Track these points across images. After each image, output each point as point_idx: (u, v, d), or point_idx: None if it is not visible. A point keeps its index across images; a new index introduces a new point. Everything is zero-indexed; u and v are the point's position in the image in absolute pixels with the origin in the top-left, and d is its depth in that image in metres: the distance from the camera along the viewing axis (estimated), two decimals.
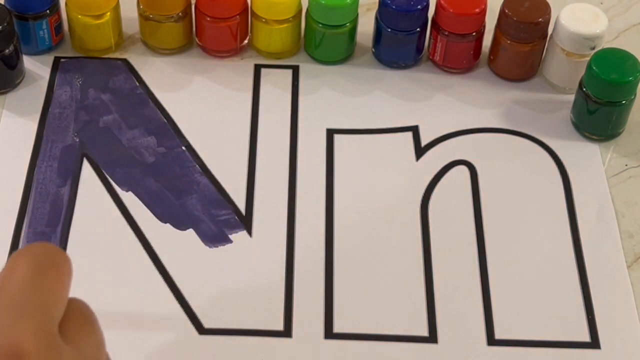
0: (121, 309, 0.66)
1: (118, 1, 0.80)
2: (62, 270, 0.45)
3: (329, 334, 0.65)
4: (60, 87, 0.79)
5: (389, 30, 0.80)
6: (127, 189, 0.73)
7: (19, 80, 0.79)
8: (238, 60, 0.83)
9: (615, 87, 0.75)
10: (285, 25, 0.80)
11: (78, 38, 0.81)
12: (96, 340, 0.45)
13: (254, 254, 0.70)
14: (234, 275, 0.68)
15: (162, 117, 0.78)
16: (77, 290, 0.66)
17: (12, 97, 0.79)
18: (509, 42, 0.79)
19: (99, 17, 0.79)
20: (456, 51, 0.81)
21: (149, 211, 0.71)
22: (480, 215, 0.72)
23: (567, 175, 0.76)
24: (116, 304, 0.66)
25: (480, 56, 0.83)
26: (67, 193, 0.72)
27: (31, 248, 0.44)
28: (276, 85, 0.81)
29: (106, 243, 0.69)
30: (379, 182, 0.74)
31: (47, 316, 0.42)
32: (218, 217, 0.71)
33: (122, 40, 0.83)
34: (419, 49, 0.82)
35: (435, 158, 0.76)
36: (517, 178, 0.75)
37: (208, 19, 0.80)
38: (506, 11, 0.78)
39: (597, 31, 0.77)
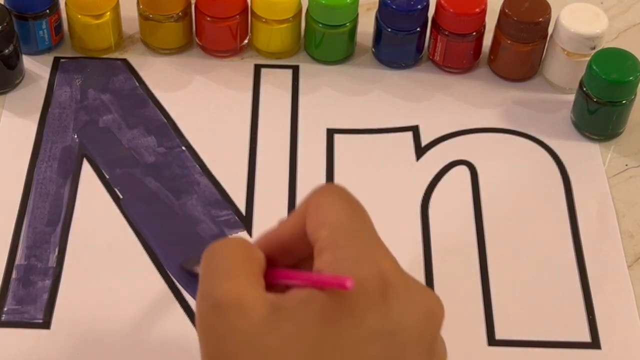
0: (121, 308, 0.66)
1: (118, 1, 0.80)
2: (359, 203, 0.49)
3: None
4: (60, 87, 0.79)
5: (389, 30, 0.80)
6: (127, 189, 0.72)
7: (18, 81, 0.79)
8: (238, 60, 0.83)
9: (616, 87, 0.75)
10: (285, 25, 0.80)
11: (78, 38, 0.81)
12: None
13: None
14: None
15: (162, 117, 0.78)
16: (77, 289, 0.67)
17: (12, 97, 0.79)
18: (509, 42, 0.79)
19: (99, 17, 0.79)
20: (456, 51, 0.81)
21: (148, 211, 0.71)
22: (480, 215, 0.72)
23: (567, 175, 0.76)
24: (116, 303, 0.66)
25: (480, 56, 0.83)
26: (67, 193, 0.72)
27: (328, 188, 0.49)
28: (276, 85, 0.81)
29: (106, 243, 0.69)
30: (379, 182, 0.74)
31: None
32: (218, 217, 0.71)
33: (122, 40, 0.83)
34: (419, 49, 0.82)
35: (435, 158, 0.76)
36: (517, 178, 0.75)
37: (208, 18, 0.80)
38: (506, 11, 0.78)
39: (597, 31, 0.77)
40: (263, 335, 0.43)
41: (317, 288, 0.44)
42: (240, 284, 0.45)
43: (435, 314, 0.47)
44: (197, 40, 0.83)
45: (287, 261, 0.50)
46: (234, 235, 0.49)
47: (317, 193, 0.49)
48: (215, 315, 0.44)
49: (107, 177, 0.73)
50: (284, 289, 0.46)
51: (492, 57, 0.82)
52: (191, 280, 0.67)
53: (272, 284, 0.47)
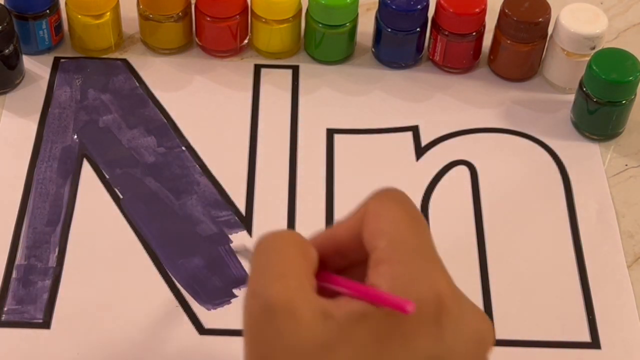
0: (121, 308, 0.66)
1: (118, 1, 0.80)
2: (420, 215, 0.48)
3: None
4: (60, 87, 0.79)
5: (389, 30, 0.80)
6: (127, 189, 0.72)
7: (18, 81, 0.79)
8: (238, 60, 0.83)
9: (615, 87, 0.75)
10: (285, 25, 0.80)
11: (78, 38, 0.81)
12: None
13: None
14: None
15: (162, 117, 0.78)
16: (77, 289, 0.67)
17: (12, 97, 0.79)
18: (509, 42, 0.79)
19: (99, 17, 0.79)
20: (456, 51, 0.81)
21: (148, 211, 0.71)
22: (480, 215, 0.72)
23: (567, 175, 0.76)
24: (116, 304, 0.66)
25: (480, 56, 0.83)
26: (67, 193, 0.72)
27: (388, 193, 0.48)
28: (276, 85, 0.81)
29: (106, 243, 0.69)
30: (379, 182, 0.74)
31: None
32: (218, 217, 0.71)
33: (122, 40, 0.83)
34: (419, 49, 0.82)
35: (435, 158, 0.76)
36: (517, 178, 0.75)
37: (208, 19, 0.80)
38: (506, 11, 0.78)
39: (597, 31, 0.77)
40: (310, 346, 0.42)
41: (373, 304, 0.43)
42: (292, 286, 0.43)
43: (485, 338, 0.46)
44: (197, 40, 0.83)
45: (339, 263, 0.48)
46: (287, 229, 0.48)
47: (377, 197, 0.47)
48: (264, 316, 0.43)
49: (107, 177, 0.73)
50: (333, 291, 0.45)
51: (492, 57, 0.82)
52: (192, 279, 0.67)
53: (321, 286, 0.45)
